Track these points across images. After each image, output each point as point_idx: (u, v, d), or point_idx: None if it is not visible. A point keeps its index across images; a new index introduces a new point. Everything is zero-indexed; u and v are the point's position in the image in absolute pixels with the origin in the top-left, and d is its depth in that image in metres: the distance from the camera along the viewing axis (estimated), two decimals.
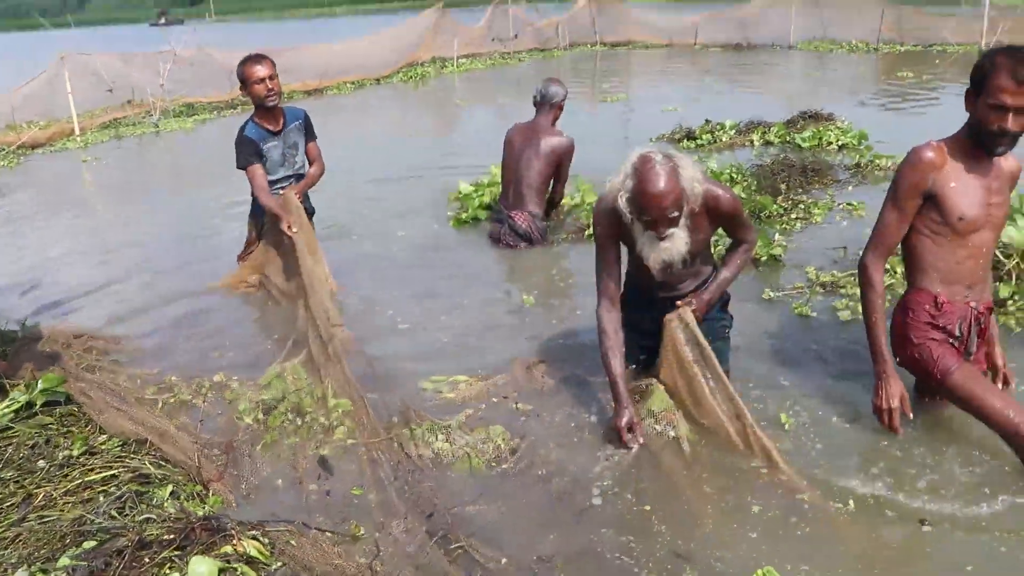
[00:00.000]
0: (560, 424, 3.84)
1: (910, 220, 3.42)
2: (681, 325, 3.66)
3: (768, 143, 9.62)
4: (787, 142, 9.55)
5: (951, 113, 11.17)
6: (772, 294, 5.23)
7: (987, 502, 3.11)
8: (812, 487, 3.23)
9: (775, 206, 6.76)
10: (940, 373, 3.39)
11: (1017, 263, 4.90)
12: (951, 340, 3.45)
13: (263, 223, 5.65)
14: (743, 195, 6.88)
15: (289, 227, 5.30)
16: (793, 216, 6.65)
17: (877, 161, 8.22)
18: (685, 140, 9.96)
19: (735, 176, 7.42)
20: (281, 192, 5.50)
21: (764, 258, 5.68)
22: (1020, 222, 5.32)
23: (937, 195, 3.34)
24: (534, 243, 6.49)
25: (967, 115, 3.27)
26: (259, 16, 73.21)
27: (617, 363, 3.68)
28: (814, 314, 4.91)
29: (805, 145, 9.24)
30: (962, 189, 3.32)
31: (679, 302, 3.74)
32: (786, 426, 3.72)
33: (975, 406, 3.31)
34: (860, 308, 4.83)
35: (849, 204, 6.91)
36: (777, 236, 5.99)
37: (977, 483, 3.23)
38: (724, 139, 9.93)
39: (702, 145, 9.72)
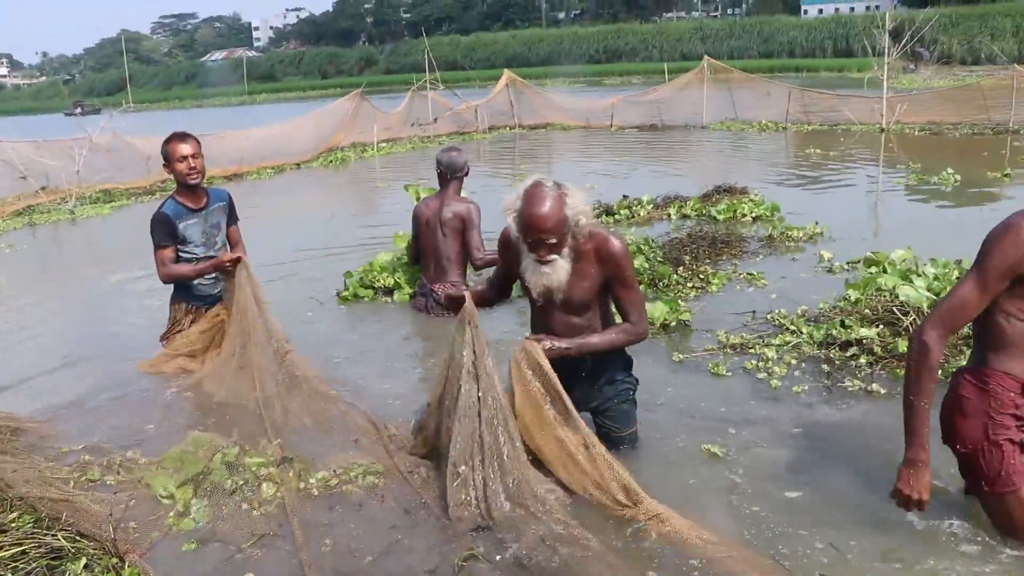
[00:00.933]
0: None
1: (991, 299, 2.94)
2: (527, 358, 3.58)
3: (685, 216, 9.83)
4: (703, 215, 9.76)
5: (858, 184, 11.78)
6: (681, 356, 5.38)
7: (886, 555, 3.18)
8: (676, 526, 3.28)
9: (674, 276, 6.95)
10: (1003, 485, 3.02)
11: (913, 319, 5.14)
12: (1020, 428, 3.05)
13: (188, 306, 5.60)
14: (644, 264, 7.03)
15: (234, 261, 5.15)
16: (690, 285, 6.85)
17: (789, 232, 8.51)
18: (604, 216, 10.04)
19: (643, 248, 7.52)
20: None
21: (673, 323, 5.85)
22: (916, 282, 5.61)
23: None
24: None
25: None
26: (178, 104, 72.86)
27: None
28: (728, 374, 5.08)
29: (720, 218, 9.46)
30: None
31: (528, 336, 3.72)
32: (719, 454, 3.98)
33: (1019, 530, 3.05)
34: (771, 369, 5.04)
35: (750, 274, 7.13)
36: (682, 303, 6.15)
37: (876, 536, 3.32)
38: (642, 214, 10.12)
39: (620, 220, 9.90)
